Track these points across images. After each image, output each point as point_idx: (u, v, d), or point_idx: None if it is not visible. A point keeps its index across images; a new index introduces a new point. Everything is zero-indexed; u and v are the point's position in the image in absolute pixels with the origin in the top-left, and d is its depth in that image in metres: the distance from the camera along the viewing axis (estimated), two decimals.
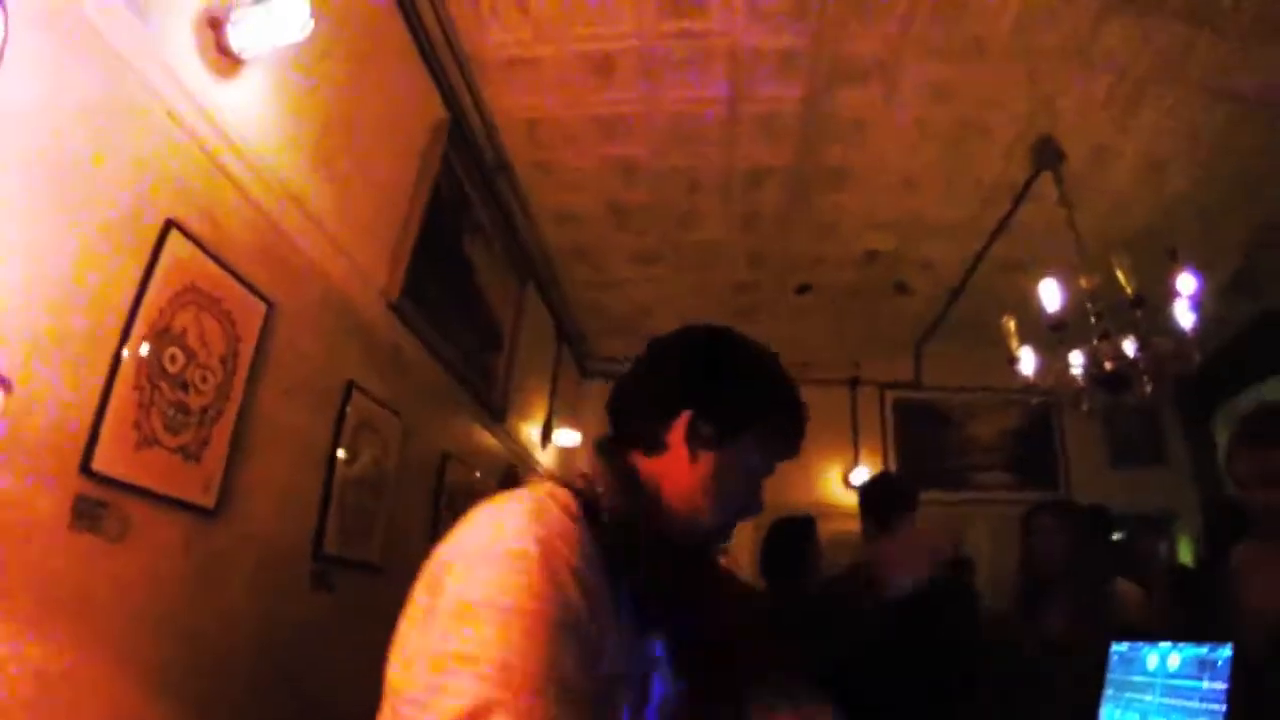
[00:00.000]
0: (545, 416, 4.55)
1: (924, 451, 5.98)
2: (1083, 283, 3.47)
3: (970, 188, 3.99)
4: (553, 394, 4.70)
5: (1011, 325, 3.68)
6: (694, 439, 1.08)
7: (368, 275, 2.70)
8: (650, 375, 1.16)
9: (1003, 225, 4.24)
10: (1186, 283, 3.18)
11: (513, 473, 3.95)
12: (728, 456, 1.10)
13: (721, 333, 1.19)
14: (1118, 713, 1.88)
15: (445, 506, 3.14)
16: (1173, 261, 3.23)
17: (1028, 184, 3.86)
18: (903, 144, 3.71)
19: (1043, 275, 3.43)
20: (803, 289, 4.99)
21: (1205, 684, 1.64)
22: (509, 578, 0.83)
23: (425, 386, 3.13)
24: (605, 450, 1.10)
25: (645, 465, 1.09)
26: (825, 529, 5.26)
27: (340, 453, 2.45)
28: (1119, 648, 1.99)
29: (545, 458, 4.52)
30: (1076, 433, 5.81)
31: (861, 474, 5.75)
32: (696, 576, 1.16)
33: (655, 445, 1.09)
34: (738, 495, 1.13)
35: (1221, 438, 5.93)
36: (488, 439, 3.75)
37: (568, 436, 4.66)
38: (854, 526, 5.23)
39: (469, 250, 3.53)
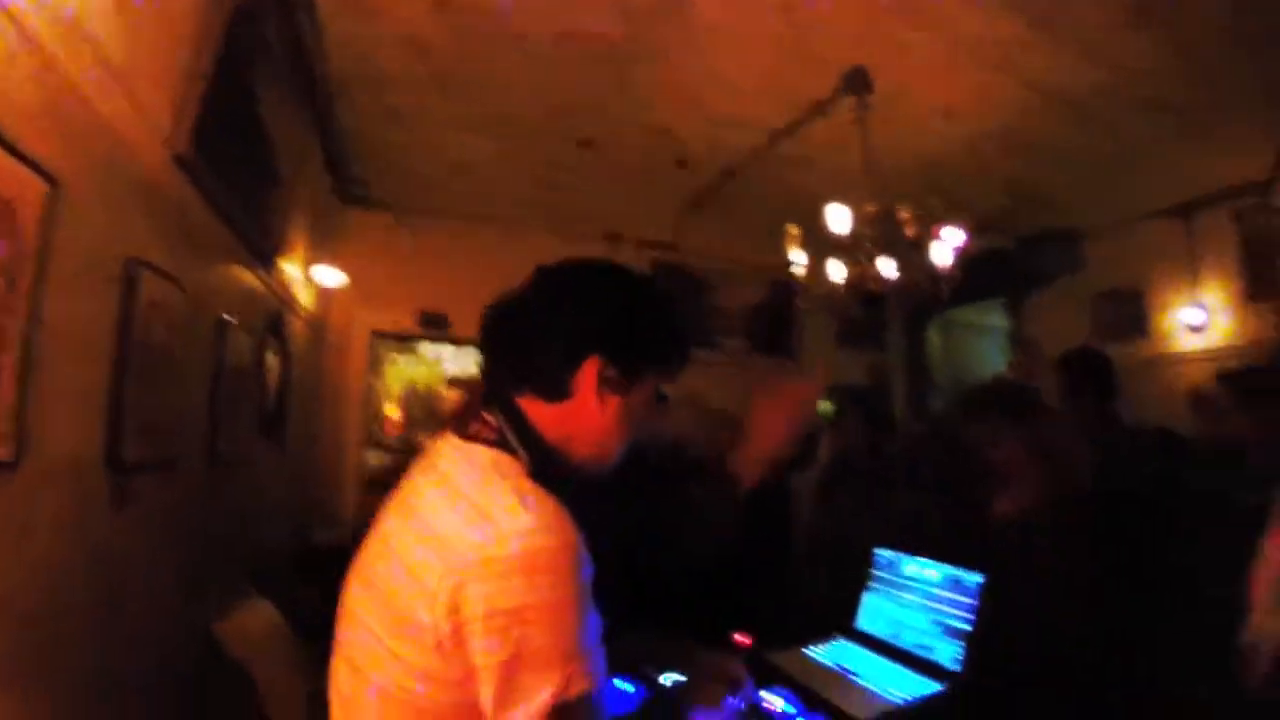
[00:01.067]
0: (306, 253, 4.17)
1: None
2: (865, 207, 3.79)
3: (779, 93, 4.17)
4: (313, 228, 4.30)
5: (794, 231, 3.93)
6: (602, 384, 1.10)
7: (155, 124, 2.26)
8: (549, 316, 1.13)
9: (793, 129, 4.49)
10: (953, 234, 3.60)
11: (279, 321, 3.64)
12: (633, 398, 1.15)
13: (621, 273, 1.20)
14: (881, 602, 2.36)
15: (226, 380, 2.86)
16: (940, 212, 3.64)
17: (829, 101, 4.11)
18: (730, 41, 3.74)
19: (822, 178, 3.75)
20: (584, 143, 4.89)
21: (956, 596, 2.07)
22: (539, 579, 0.90)
23: (208, 247, 2.74)
24: (506, 404, 1.11)
25: (546, 412, 1.11)
26: None
27: (127, 344, 2.11)
28: (884, 553, 2.42)
29: (305, 297, 4.20)
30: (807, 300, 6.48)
31: None
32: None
33: (557, 391, 1.11)
34: (636, 431, 1.19)
35: (933, 338, 7.25)
36: (259, 288, 3.40)
37: (328, 274, 4.33)
38: None
39: (259, 84, 3.02)
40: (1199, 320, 5.35)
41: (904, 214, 3.66)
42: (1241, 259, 5.16)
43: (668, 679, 1.74)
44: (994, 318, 7.41)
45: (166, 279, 2.31)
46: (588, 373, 1.10)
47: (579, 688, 0.90)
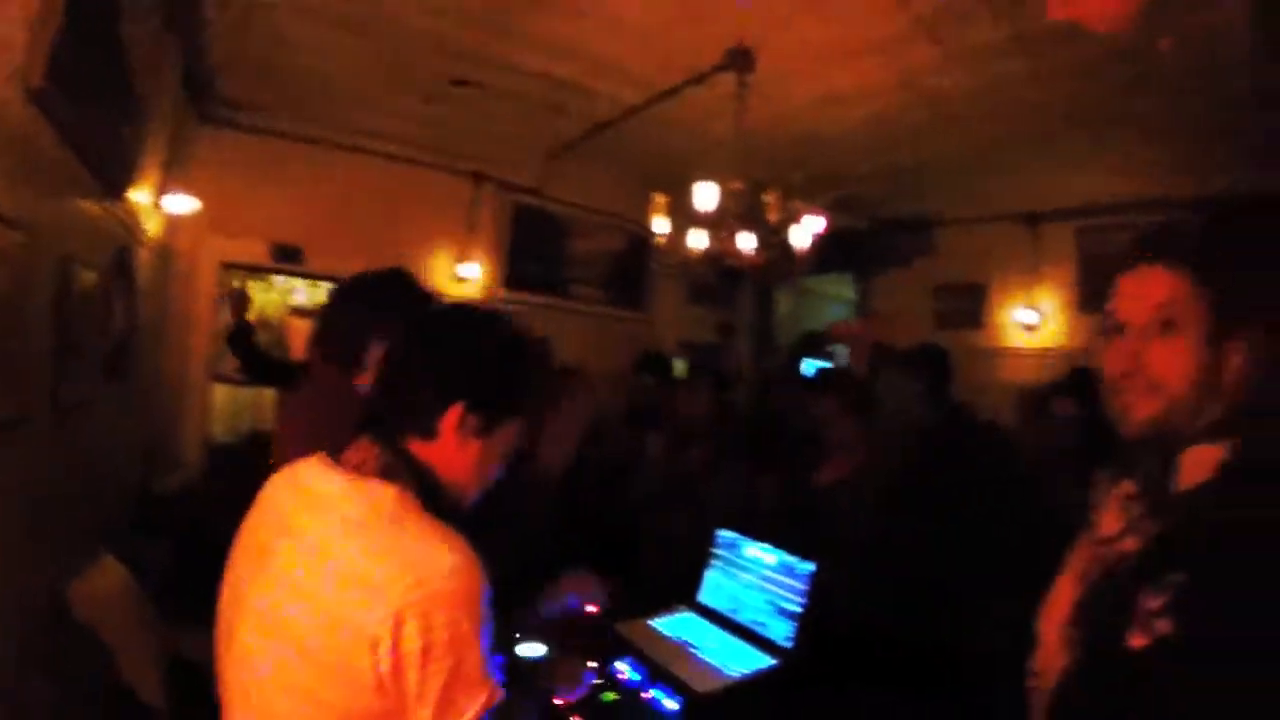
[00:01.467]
0: (159, 179, 3.88)
1: (534, 256, 6.39)
2: (731, 184, 3.93)
3: (663, 55, 4.22)
4: (168, 150, 3.99)
5: (660, 200, 4.04)
6: (463, 429, 1.22)
7: (7, 59, 2.05)
8: (421, 361, 1.25)
9: (674, 92, 4.56)
10: (814, 220, 3.85)
11: (123, 257, 3.40)
12: (493, 443, 1.26)
13: (491, 322, 1.31)
14: (721, 579, 2.56)
15: (71, 325, 2.66)
16: (806, 198, 3.85)
17: (709, 74, 4.22)
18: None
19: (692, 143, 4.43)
20: (459, 83, 4.75)
21: (790, 583, 2.30)
22: (466, 609, 1.04)
23: (56, 183, 2.52)
24: (391, 443, 1.20)
25: (420, 450, 1.21)
26: None
27: None
28: (725, 534, 2.63)
29: (153, 225, 3.91)
30: (664, 267, 6.68)
31: (471, 269, 5.92)
32: None
33: (428, 431, 1.21)
34: (496, 472, 1.30)
35: (782, 302, 7.63)
36: (106, 221, 3.15)
37: (179, 202, 4.04)
38: None
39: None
40: (1033, 320, 5.94)
41: (769, 198, 3.81)
42: (1078, 272, 5.74)
43: (526, 652, 1.90)
44: (843, 289, 7.88)
45: (9, 225, 2.11)
46: (452, 417, 1.20)
47: (497, 695, 1.05)
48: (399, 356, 1.26)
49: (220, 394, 5.76)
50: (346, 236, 5.39)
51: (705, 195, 3.83)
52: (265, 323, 6.24)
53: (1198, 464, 1.04)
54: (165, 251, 4.37)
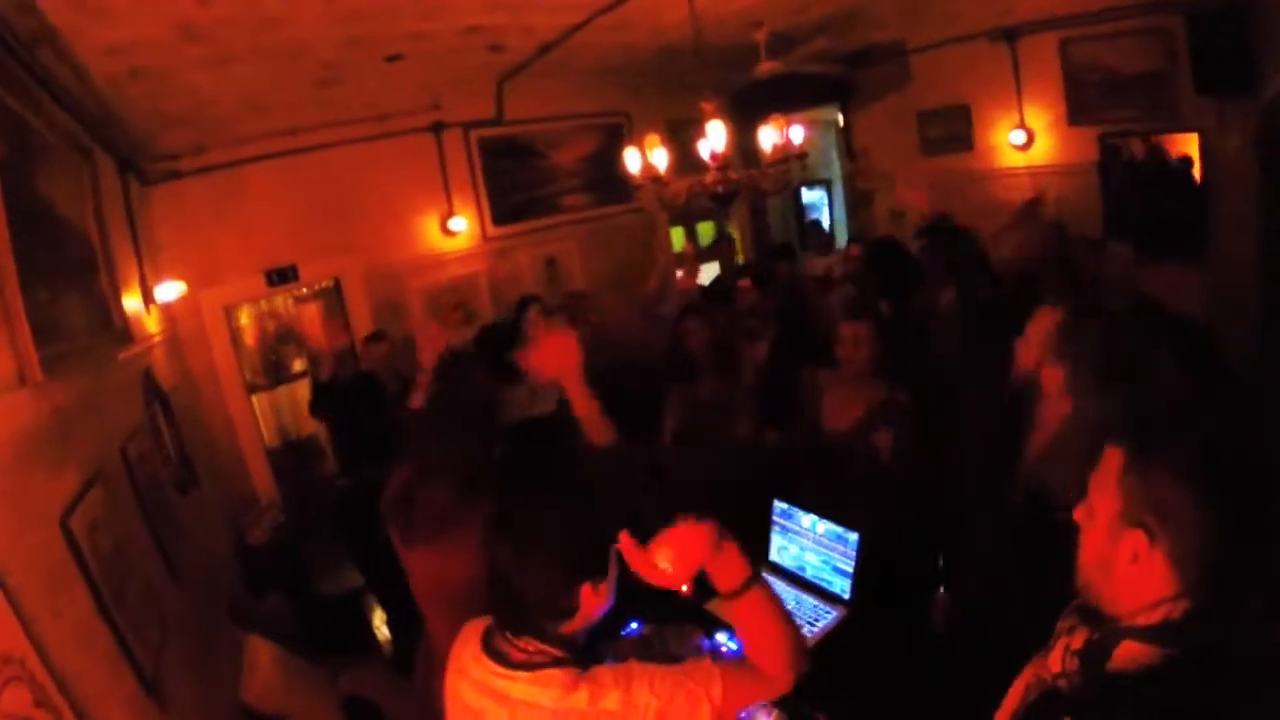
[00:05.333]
0: (141, 278, 3.84)
1: (513, 185, 6.33)
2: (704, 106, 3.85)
3: None
4: (136, 245, 3.92)
5: (654, 139, 4.02)
6: (596, 593, 1.51)
7: None
8: (540, 563, 1.49)
9: (613, 6, 4.38)
10: (795, 132, 3.90)
11: (150, 382, 3.46)
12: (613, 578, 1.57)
13: (566, 495, 1.64)
14: (784, 542, 2.91)
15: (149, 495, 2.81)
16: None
17: None
18: None
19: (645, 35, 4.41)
20: (393, 58, 4.52)
21: (842, 548, 2.68)
22: None
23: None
24: (543, 634, 1.51)
25: (564, 626, 1.52)
26: (424, 280, 5.56)
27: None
28: (780, 505, 2.85)
29: (154, 323, 3.92)
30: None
31: (459, 223, 5.84)
32: None
33: (569, 614, 1.50)
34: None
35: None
36: (126, 368, 3.22)
37: (168, 290, 4.02)
38: (455, 274, 6.15)
39: (46, 188, 2.62)
40: (1021, 140, 5.83)
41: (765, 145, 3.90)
42: (1065, 85, 5.55)
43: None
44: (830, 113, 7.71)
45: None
46: (584, 594, 1.48)
47: None
48: (509, 559, 1.49)
49: (260, 404, 5.90)
50: (332, 235, 5.40)
51: (716, 135, 3.78)
52: (285, 332, 6.28)
53: (1128, 654, 1.13)
54: (175, 332, 4.38)
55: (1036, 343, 2.33)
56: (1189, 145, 5.46)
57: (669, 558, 1.39)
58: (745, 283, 5.15)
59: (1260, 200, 4.33)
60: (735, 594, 1.43)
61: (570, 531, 1.49)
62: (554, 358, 2.30)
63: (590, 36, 4.89)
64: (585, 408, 2.28)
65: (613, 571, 1.52)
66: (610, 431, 2.31)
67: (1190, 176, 5.67)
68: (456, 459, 2.29)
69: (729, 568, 1.42)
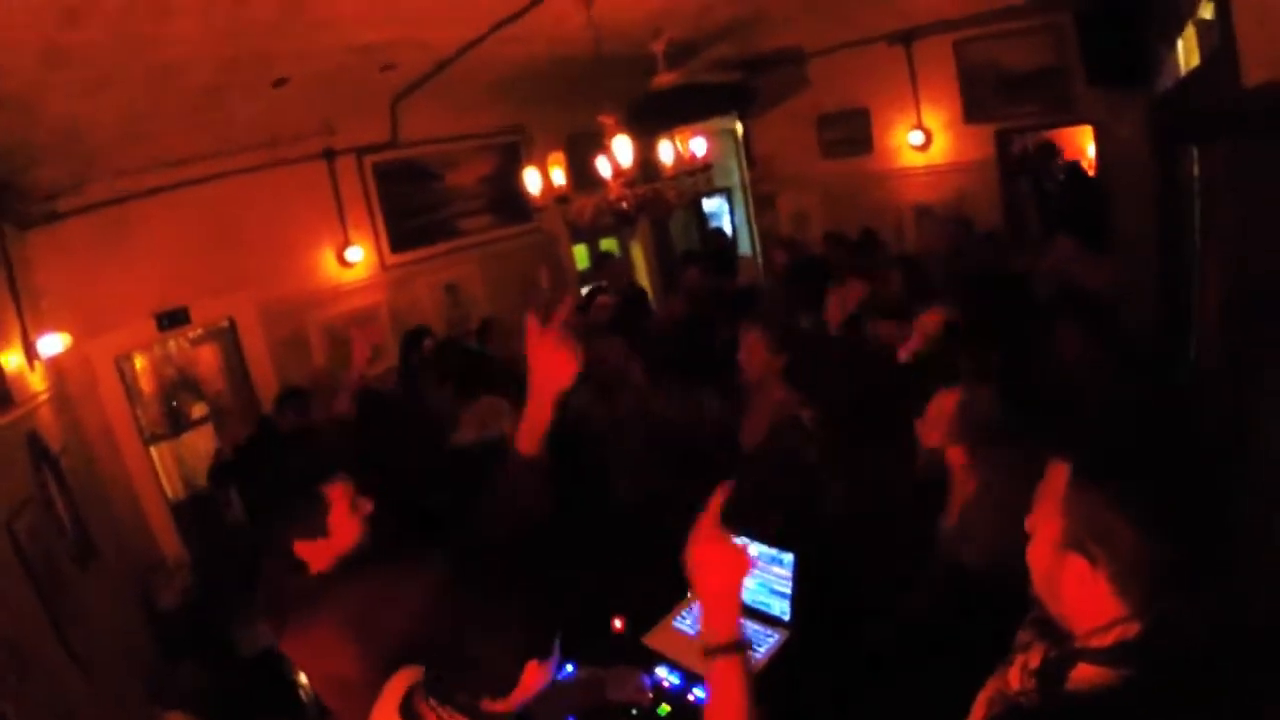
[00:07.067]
0: (22, 331, 3.54)
1: (411, 210, 6.19)
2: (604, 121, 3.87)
3: None
4: (13, 296, 3.61)
5: (557, 157, 3.97)
6: (542, 671, 1.51)
7: None
8: (486, 645, 1.47)
9: (513, 18, 4.35)
10: (698, 145, 3.92)
11: (36, 444, 3.19)
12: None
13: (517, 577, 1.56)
14: None
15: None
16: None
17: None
18: None
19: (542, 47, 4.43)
20: (279, 83, 4.32)
21: (778, 569, 2.61)
22: None
23: None
24: (477, 713, 1.46)
25: (499, 706, 1.46)
26: (323, 315, 5.34)
27: None
28: None
29: (39, 381, 3.61)
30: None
31: (356, 252, 5.63)
32: None
33: (506, 693, 1.45)
34: None
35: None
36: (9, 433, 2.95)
37: (52, 343, 3.71)
38: (355, 305, 5.89)
39: None
40: (920, 140, 6.00)
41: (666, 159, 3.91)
42: (960, 85, 5.74)
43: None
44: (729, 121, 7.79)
45: None
46: (528, 672, 1.44)
47: None
48: (469, 625, 1.44)
49: (161, 455, 5.53)
50: (225, 272, 5.14)
51: (622, 150, 3.76)
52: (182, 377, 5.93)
53: (1084, 676, 1.12)
54: (62, 388, 4.05)
55: (936, 425, 2.33)
56: (1084, 137, 5.75)
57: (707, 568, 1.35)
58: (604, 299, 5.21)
59: (1153, 186, 4.51)
60: (721, 651, 1.33)
61: (536, 606, 1.46)
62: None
63: (487, 50, 4.81)
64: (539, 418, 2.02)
65: (556, 651, 1.49)
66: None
67: (1080, 167, 5.99)
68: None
69: (728, 616, 1.35)
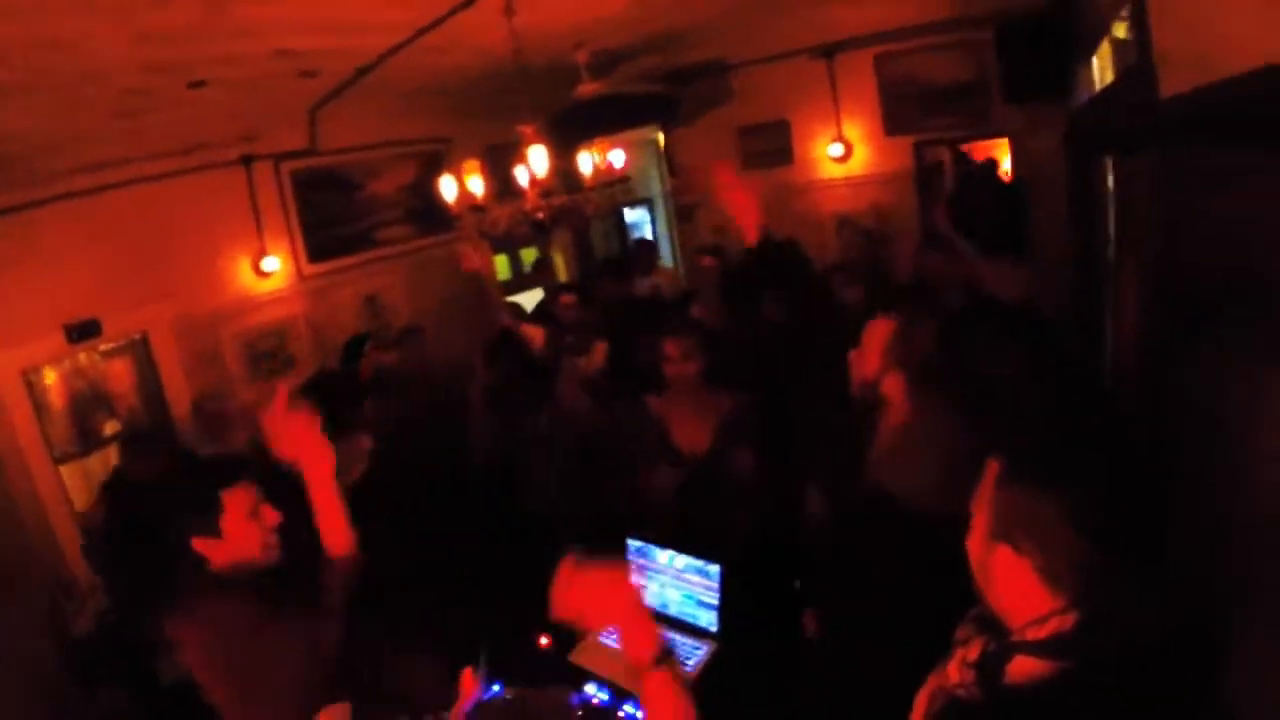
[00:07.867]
0: None
1: (330, 219, 6.09)
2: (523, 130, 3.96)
3: None
4: None
5: (473, 164, 3.97)
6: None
7: None
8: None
9: (432, 26, 4.29)
10: (616, 156, 4.07)
11: None
12: None
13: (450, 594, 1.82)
14: (643, 581, 2.79)
15: None
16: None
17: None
18: None
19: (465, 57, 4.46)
20: (196, 84, 4.22)
21: (704, 581, 2.65)
22: None
23: None
24: None
25: None
26: (238, 326, 5.22)
27: None
28: (635, 544, 2.85)
29: None
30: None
31: (272, 262, 5.51)
32: None
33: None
34: None
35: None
36: None
37: None
38: (272, 317, 5.78)
39: None
40: (840, 152, 6.21)
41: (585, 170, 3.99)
42: (880, 99, 5.95)
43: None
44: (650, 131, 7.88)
45: None
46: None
47: None
48: (384, 657, 1.50)
49: (71, 475, 5.27)
50: (138, 283, 4.97)
51: (538, 160, 3.79)
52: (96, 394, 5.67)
53: (1022, 669, 1.15)
54: None
55: (873, 352, 2.36)
56: (1000, 149, 6.03)
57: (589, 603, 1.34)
58: (568, 298, 5.21)
59: (1068, 197, 4.76)
60: (650, 667, 1.33)
61: (446, 617, 1.49)
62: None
63: (409, 58, 4.78)
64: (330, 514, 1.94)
65: (483, 655, 1.49)
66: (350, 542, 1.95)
67: (996, 177, 6.27)
68: None
69: (643, 635, 1.35)
